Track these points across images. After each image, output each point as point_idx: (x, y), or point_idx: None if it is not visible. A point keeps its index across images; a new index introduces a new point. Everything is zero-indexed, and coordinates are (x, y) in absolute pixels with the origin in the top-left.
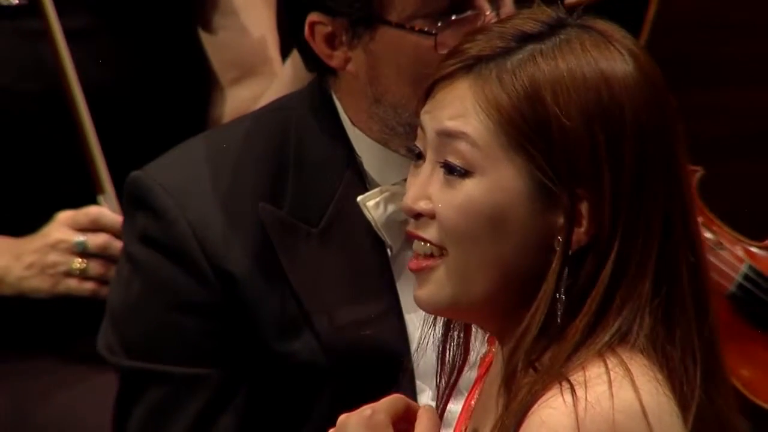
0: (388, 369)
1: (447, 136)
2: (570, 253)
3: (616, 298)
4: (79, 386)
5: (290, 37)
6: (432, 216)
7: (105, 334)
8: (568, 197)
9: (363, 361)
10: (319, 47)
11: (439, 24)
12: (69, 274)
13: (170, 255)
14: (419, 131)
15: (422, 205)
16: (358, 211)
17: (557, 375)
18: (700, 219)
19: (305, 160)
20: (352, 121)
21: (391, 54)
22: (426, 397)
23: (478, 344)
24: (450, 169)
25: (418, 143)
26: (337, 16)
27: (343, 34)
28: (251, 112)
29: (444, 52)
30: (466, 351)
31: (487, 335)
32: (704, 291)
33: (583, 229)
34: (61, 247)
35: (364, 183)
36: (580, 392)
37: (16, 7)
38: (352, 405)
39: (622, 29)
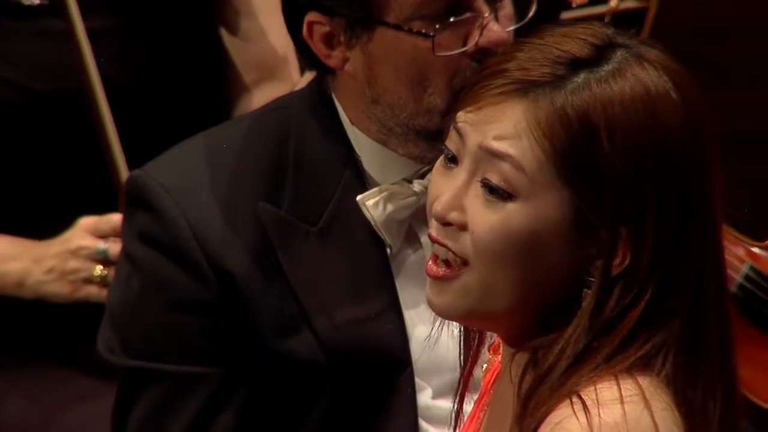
0: (387, 367)
1: (491, 154)
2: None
3: (643, 333)
4: (95, 399)
5: (289, 36)
6: (462, 228)
7: (104, 334)
8: (609, 234)
9: (362, 359)
10: (317, 47)
11: (437, 26)
12: (89, 281)
13: (169, 254)
14: (453, 134)
15: (454, 216)
16: (357, 211)
17: (569, 392)
18: None
19: (305, 159)
20: (351, 121)
21: (388, 55)
22: (426, 395)
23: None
24: (491, 189)
25: (450, 146)
26: (335, 16)
27: (341, 34)
28: (251, 111)
29: (442, 54)
30: (482, 337)
31: (491, 343)
32: (729, 336)
33: (617, 262)
34: (82, 254)
35: (363, 182)
36: (593, 410)
37: (38, 6)
38: (351, 403)
39: (667, 55)
